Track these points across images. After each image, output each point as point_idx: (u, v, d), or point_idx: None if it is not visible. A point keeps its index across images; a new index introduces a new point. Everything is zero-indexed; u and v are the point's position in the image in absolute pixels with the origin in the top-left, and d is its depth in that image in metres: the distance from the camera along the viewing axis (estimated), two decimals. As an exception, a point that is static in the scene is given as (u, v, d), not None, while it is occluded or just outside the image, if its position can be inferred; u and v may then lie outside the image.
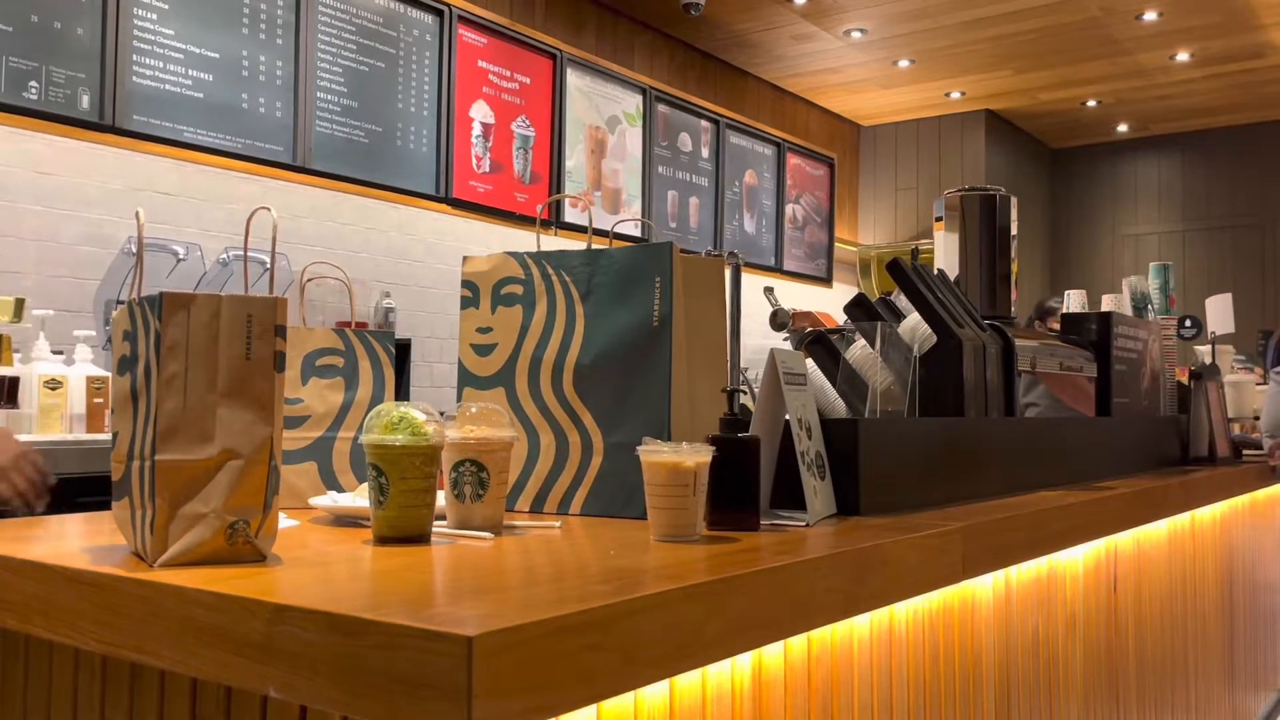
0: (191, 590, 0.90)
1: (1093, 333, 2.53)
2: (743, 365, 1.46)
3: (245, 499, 1.04)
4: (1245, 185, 8.13)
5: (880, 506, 1.49)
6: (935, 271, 2.08)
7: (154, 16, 3.64)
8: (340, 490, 1.55)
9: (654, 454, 1.21)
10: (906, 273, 1.87)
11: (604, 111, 5.57)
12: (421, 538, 1.19)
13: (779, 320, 4.28)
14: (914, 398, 1.70)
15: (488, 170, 4.89)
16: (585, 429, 1.49)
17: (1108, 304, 3.28)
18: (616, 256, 1.50)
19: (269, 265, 1.14)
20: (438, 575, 1.04)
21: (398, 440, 1.17)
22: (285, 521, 1.34)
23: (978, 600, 1.60)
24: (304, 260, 3.86)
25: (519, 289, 1.57)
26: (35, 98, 3.31)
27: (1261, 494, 3.40)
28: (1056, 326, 5.26)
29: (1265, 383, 4.18)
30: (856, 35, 6.35)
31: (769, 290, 4.80)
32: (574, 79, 5.37)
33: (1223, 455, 3.01)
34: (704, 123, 6.28)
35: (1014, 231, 2.48)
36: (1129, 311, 3.27)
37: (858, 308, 1.89)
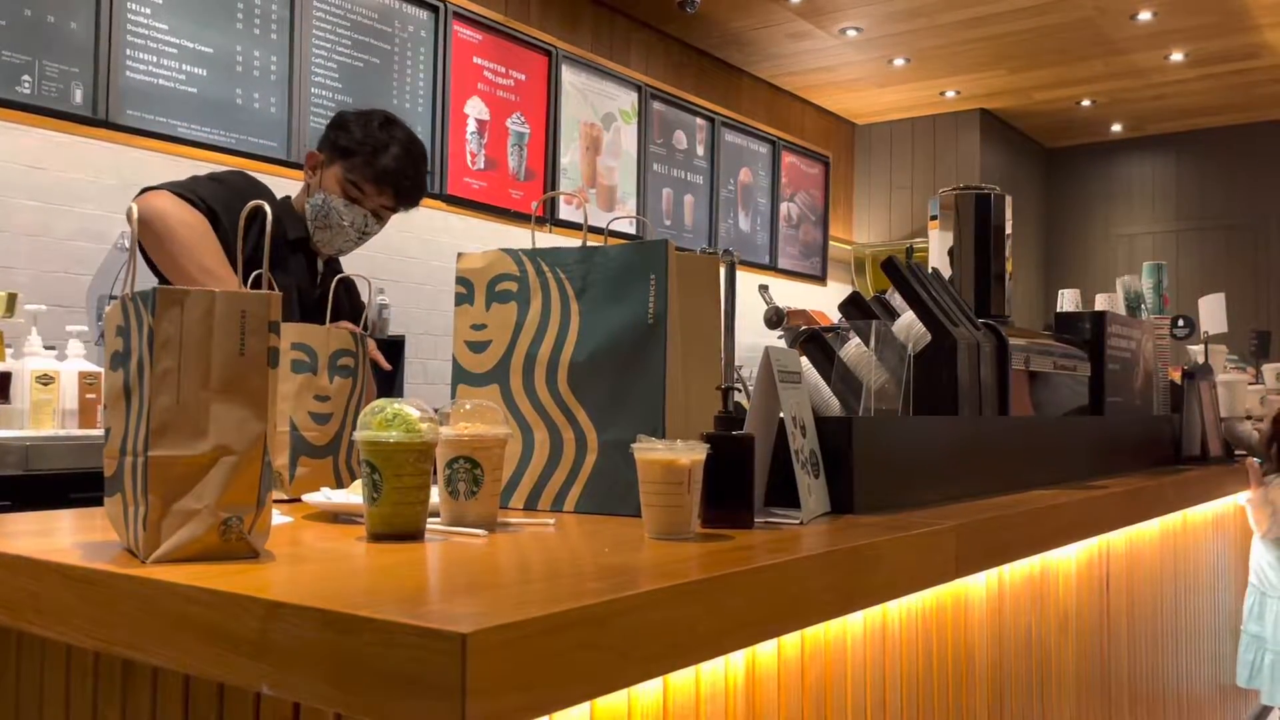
0: (185, 587, 0.90)
1: (1086, 332, 2.53)
2: (737, 363, 1.45)
3: (239, 495, 1.03)
4: (1239, 186, 8.14)
5: (874, 505, 1.49)
6: (930, 270, 2.09)
7: (148, 11, 3.63)
8: None
9: (648, 451, 1.21)
10: (901, 271, 1.87)
11: (599, 109, 5.56)
12: (415, 535, 1.19)
13: (774, 318, 4.27)
14: (908, 396, 1.70)
15: (482, 167, 4.89)
16: (580, 426, 1.49)
17: (1101, 303, 3.29)
18: (611, 254, 1.50)
19: (264, 262, 1.13)
20: (432, 572, 1.04)
21: (391, 437, 1.17)
22: (279, 518, 1.34)
23: (971, 599, 1.61)
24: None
25: (514, 286, 1.56)
26: (28, 92, 3.30)
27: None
28: None
29: (1257, 382, 4.19)
30: (852, 34, 6.35)
31: (764, 288, 4.80)
32: (569, 76, 5.36)
33: (1215, 455, 3.01)
34: (699, 120, 6.27)
35: (1008, 230, 2.48)
36: (1122, 311, 3.28)
37: (852, 306, 1.89)
